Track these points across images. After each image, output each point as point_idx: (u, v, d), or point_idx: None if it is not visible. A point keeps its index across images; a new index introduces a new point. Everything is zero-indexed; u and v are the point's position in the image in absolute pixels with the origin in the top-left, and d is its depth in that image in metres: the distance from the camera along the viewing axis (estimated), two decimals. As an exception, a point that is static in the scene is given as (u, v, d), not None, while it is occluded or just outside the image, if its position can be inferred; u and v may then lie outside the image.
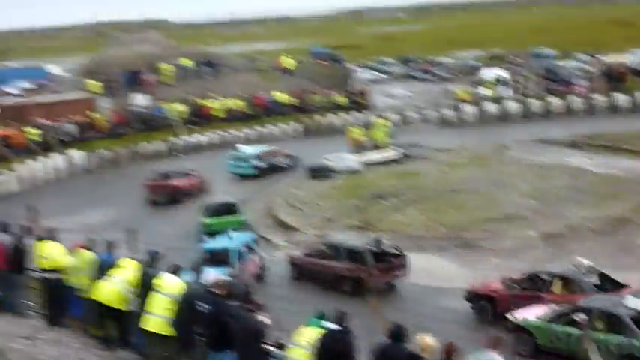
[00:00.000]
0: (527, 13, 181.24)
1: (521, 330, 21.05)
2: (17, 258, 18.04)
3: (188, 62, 72.54)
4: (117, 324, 15.79)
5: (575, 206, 34.00)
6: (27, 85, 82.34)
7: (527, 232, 31.51)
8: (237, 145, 49.53)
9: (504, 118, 59.43)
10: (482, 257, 29.50)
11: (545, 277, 23.87)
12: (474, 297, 24.63)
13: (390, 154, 46.71)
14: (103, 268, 16.14)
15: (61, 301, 17.56)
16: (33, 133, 51.42)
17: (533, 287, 23.74)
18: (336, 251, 28.68)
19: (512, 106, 60.74)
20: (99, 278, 16.00)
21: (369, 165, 44.90)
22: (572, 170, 40.47)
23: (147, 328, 14.25)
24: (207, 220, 34.90)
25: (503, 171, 40.82)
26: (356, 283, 27.17)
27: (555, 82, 64.75)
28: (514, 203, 34.87)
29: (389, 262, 28.03)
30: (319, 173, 43.47)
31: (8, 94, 76.38)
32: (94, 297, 15.72)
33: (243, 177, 46.51)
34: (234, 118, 60.39)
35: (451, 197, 36.58)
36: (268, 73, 76.42)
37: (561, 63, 73.97)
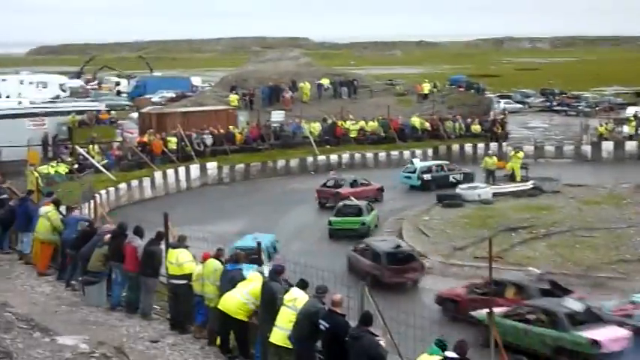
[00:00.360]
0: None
1: (480, 324, 23.15)
2: (148, 262, 18.55)
3: (326, 81, 73.29)
4: (237, 334, 16.05)
5: None
6: (170, 94, 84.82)
7: (660, 276, 30.50)
8: (413, 159, 52.38)
9: (643, 157, 57.75)
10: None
11: (501, 283, 26.34)
12: (442, 300, 27.55)
13: (522, 186, 45.99)
14: (229, 279, 16.46)
15: (186, 308, 17.97)
16: (171, 141, 52.68)
17: (490, 292, 25.37)
18: (366, 250, 31.99)
19: (652, 145, 59.03)
20: (224, 288, 16.33)
21: (501, 195, 44.30)
22: None
23: (273, 342, 14.44)
24: (331, 219, 38.70)
25: (639, 212, 39.68)
26: (374, 279, 29.12)
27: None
28: (648, 245, 33.86)
29: (403, 265, 30.71)
30: (450, 201, 43.16)
31: (153, 102, 78.84)
32: (218, 306, 16.03)
33: (412, 188, 49.08)
34: (367, 139, 60.53)
35: (583, 234, 35.75)
36: (405, 96, 76.46)
37: None
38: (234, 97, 68.48)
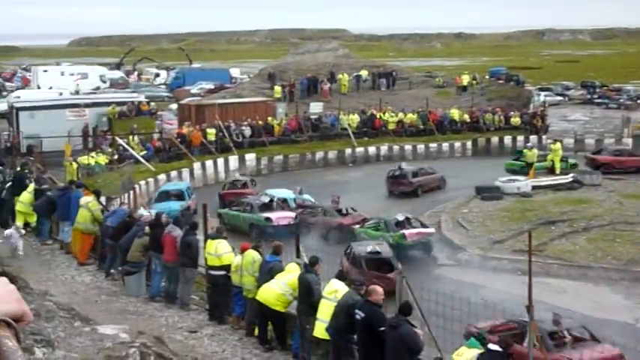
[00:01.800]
0: None
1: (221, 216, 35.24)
2: (186, 252, 18.65)
3: (365, 73, 73.20)
4: (275, 325, 16.10)
5: None
6: (209, 86, 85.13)
7: (702, 272, 30.14)
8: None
9: (686, 150, 56.88)
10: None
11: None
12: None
13: (562, 179, 45.62)
14: (267, 270, 16.52)
15: (225, 299, 18.05)
16: (210, 132, 52.87)
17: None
18: None
19: (697, 139, 58.21)
20: (263, 279, 16.39)
21: (540, 188, 43.99)
22: None
23: (316, 335, 14.49)
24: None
25: (680, 205, 39.23)
26: None
27: None
28: (690, 240, 33.46)
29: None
30: (488, 194, 42.88)
31: (192, 94, 79.18)
32: (257, 298, 16.08)
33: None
34: (405, 131, 60.38)
35: (623, 228, 35.40)
36: (444, 88, 76.17)
37: None
38: (278, 89, 68.58)
